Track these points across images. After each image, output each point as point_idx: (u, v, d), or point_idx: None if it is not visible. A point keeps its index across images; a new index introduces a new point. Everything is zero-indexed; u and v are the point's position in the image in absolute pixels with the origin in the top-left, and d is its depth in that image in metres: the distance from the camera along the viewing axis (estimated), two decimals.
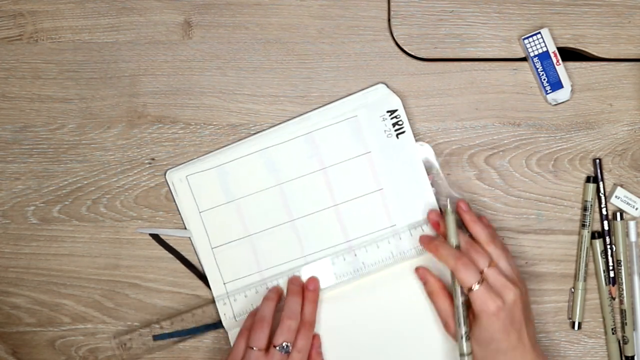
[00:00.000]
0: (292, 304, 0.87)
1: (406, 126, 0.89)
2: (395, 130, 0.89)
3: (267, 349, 0.84)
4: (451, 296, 0.85)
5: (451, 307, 0.85)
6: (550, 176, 0.90)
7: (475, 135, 0.90)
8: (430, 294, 0.87)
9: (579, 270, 0.89)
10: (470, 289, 0.80)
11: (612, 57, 0.90)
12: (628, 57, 0.90)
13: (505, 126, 0.90)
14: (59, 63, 0.91)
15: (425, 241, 0.86)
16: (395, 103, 0.89)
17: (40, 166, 0.91)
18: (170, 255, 0.90)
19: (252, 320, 0.87)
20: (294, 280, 0.89)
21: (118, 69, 0.91)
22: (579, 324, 0.89)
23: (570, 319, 0.90)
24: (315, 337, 0.88)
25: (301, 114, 0.90)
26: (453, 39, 0.90)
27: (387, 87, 0.89)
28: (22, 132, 0.91)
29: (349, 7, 0.91)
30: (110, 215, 0.91)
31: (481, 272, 0.81)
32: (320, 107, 0.90)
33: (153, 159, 0.91)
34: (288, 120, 0.90)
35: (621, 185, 0.89)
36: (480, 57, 0.90)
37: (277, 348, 0.84)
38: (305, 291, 0.88)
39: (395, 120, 0.89)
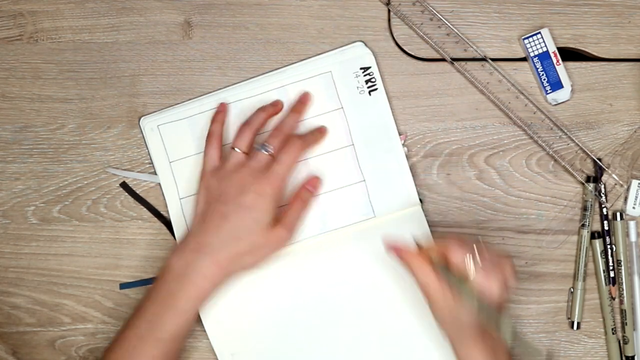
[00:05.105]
0: (289, 118, 0.87)
1: (379, 83, 0.89)
2: (368, 87, 0.89)
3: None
4: (434, 266, 0.79)
5: (438, 280, 0.78)
6: (550, 176, 0.90)
7: (475, 135, 0.90)
8: (411, 267, 0.80)
9: (578, 270, 0.89)
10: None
11: (612, 57, 0.90)
12: (628, 57, 0.90)
13: (505, 126, 0.90)
14: (59, 63, 0.91)
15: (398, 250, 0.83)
16: (369, 60, 0.89)
17: (40, 166, 0.91)
18: None
19: (218, 126, 0.86)
20: (301, 99, 0.88)
21: (118, 69, 0.91)
22: (578, 323, 0.89)
23: (569, 318, 0.90)
24: (316, 178, 0.87)
25: (276, 68, 0.90)
26: (453, 38, 0.90)
27: (365, 45, 0.89)
28: (22, 132, 0.91)
29: (349, 7, 0.91)
30: (110, 215, 0.91)
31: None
32: (297, 62, 0.90)
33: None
34: (263, 74, 0.90)
35: None
36: (481, 57, 0.90)
37: (257, 147, 0.84)
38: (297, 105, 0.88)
39: (368, 77, 0.89)
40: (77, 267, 0.91)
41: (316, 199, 0.88)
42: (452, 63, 0.90)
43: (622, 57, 0.90)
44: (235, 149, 0.84)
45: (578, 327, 0.89)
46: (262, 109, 0.87)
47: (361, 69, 0.89)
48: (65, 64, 0.91)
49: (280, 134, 0.85)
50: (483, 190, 0.90)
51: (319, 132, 0.88)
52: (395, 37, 0.90)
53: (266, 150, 0.83)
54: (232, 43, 0.91)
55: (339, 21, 0.91)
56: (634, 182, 0.89)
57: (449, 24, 0.90)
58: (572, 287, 0.89)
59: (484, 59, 0.90)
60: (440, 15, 0.90)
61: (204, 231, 0.82)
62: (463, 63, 0.90)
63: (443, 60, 0.90)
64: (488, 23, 0.91)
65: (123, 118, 0.91)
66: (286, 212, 0.85)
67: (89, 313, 0.91)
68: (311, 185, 0.87)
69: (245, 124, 0.86)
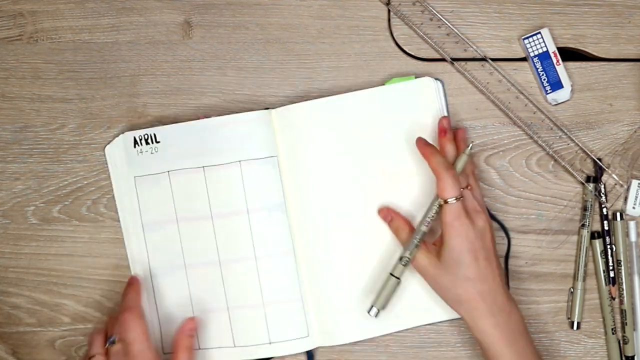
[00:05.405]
0: (122, 300, 0.86)
1: (159, 145, 0.88)
2: (150, 145, 0.88)
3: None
4: (413, 229, 0.85)
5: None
6: (550, 176, 0.90)
7: (475, 135, 0.90)
8: (395, 231, 0.86)
9: (578, 270, 0.89)
10: (446, 201, 0.81)
11: (612, 57, 0.90)
12: (628, 57, 0.90)
13: (505, 126, 0.90)
14: (59, 63, 0.91)
15: (421, 144, 0.84)
16: (128, 138, 0.88)
17: (40, 166, 0.91)
18: None
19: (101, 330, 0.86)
20: (130, 280, 0.88)
21: (118, 69, 0.91)
22: (578, 323, 0.89)
23: (569, 318, 0.90)
24: (191, 320, 0.86)
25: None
26: (453, 38, 0.90)
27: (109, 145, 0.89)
28: (22, 132, 0.91)
29: (349, 7, 0.91)
30: (110, 215, 0.91)
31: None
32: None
33: None
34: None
35: None
36: (481, 57, 0.90)
37: (107, 344, 0.82)
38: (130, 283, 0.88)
39: (144, 141, 0.88)
40: (77, 267, 0.91)
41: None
42: (452, 63, 0.90)
43: (622, 57, 0.90)
44: (92, 358, 0.82)
45: (578, 327, 0.89)
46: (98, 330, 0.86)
47: (135, 144, 0.88)
48: (65, 64, 0.91)
49: (115, 320, 0.84)
50: (483, 190, 0.90)
51: (130, 286, 0.87)
52: (395, 37, 0.91)
53: (113, 342, 0.82)
54: (232, 43, 0.91)
55: (339, 21, 0.91)
56: (634, 182, 0.89)
57: (449, 24, 0.90)
58: (572, 287, 0.89)
59: (484, 59, 0.90)
60: (440, 15, 0.90)
61: None
62: (463, 63, 0.90)
63: (443, 60, 0.90)
64: (488, 23, 0.91)
65: (123, 118, 0.91)
66: None
67: (89, 313, 0.91)
68: (189, 330, 0.85)
69: (92, 333, 0.84)
